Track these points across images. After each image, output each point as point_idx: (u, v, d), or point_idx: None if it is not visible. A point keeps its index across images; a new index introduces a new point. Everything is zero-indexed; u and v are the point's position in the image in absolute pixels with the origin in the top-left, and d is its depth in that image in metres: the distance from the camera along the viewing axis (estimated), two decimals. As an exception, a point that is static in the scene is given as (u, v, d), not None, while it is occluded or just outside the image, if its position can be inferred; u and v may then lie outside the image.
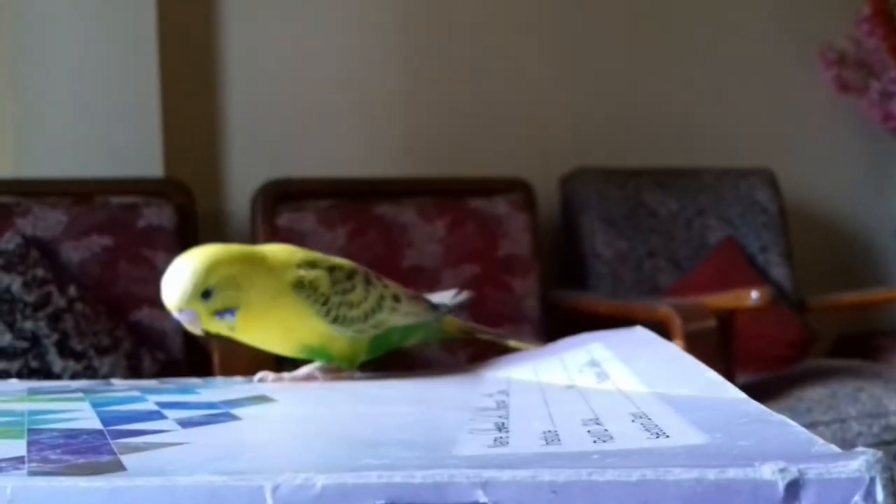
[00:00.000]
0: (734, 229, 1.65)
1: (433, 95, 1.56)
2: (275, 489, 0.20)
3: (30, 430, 0.30)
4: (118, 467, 0.24)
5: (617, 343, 0.46)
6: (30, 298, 1.08)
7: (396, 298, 0.49)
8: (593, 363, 0.43)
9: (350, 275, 0.47)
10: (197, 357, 1.20)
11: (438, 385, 0.46)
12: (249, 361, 0.99)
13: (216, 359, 1.06)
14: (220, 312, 0.43)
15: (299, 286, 0.45)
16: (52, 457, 0.26)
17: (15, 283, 1.07)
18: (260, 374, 0.46)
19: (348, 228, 1.38)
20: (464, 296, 0.54)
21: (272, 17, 1.46)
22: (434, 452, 0.26)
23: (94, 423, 0.32)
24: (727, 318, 1.29)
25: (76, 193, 1.16)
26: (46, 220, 1.13)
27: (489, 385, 0.43)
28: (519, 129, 1.61)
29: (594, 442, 0.27)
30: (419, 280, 1.40)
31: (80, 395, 0.40)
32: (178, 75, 1.33)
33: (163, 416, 0.34)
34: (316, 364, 0.48)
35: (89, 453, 0.27)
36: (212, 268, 0.42)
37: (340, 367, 0.48)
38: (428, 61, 1.57)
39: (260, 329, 0.45)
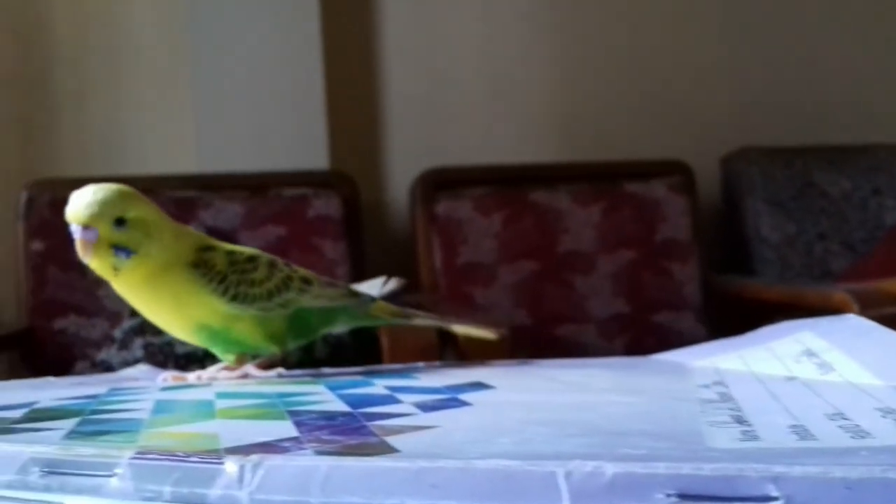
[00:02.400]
0: (914, 209, 1.54)
1: (587, 78, 1.55)
2: (567, 475, 0.21)
3: (289, 412, 0.33)
4: (389, 449, 0.26)
5: (831, 332, 0.44)
6: (215, 286, 1.16)
7: (306, 281, 0.47)
8: (809, 353, 0.42)
9: (251, 258, 0.46)
10: (364, 341, 1.26)
11: (642, 375, 0.46)
12: (416, 347, 1.02)
13: (385, 343, 1.10)
14: (119, 248, 0.42)
15: (196, 265, 0.43)
16: (325, 437, 0.28)
17: (202, 271, 1.15)
18: (162, 376, 0.44)
19: (504, 215, 1.39)
20: (392, 284, 0.52)
21: (428, 10, 1.48)
22: (687, 445, 0.26)
23: (342, 406, 0.34)
24: (909, 305, 1.21)
25: (252, 186, 1.24)
26: (226, 212, 1.21)
27: (698, 375, 0.42)
28: (677, 109, 1.57)
29: (851, 438, 0.26)
30: (575, 265, 1.39)
31: (310, 379, 0.43)
32: (341, 72, 1.39)
33: (398, 401, 0.36)
34: (220, 365, 0.46)
35: (354, 434, 0.29)
36: (136, 201, 0.42)
37: (240, 366, 0.45)
38: (581, 43, 1.55)
39: (149, 295, 0.43)
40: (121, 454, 0.23)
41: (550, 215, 1.40)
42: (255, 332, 0.45)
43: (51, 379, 0.47)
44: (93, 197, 0.42)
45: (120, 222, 0.42)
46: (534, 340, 1.34)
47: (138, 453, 0.23)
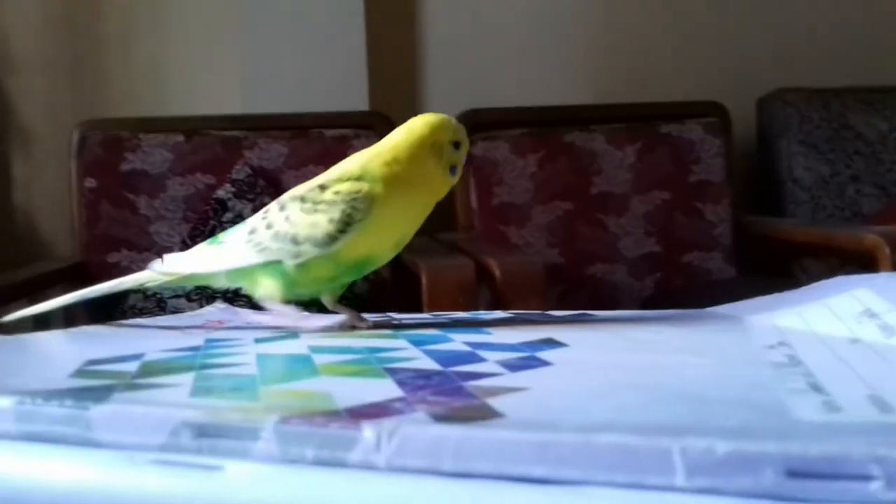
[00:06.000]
0: (951, 152, 1.53)
1: (625, 20, 1.52)
2: (682, 451, 0.23)
3: (386, 370, 0.34)
4: (494, 414, 0.28)
5: (890, 291, 0.45)
6: (258, 224, 1.18)
7: None
8: (870, 313, 0.43)
9: None
10: (403, 278, 1.28)
11: (706, 332, 0.47)
12: (455, 285, 1.05)
13: (424, 281, 1.11)
14: (452, 168, 0.46)
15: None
16: (430, 398, 0.30)
17: (246, 209, 1.18)
18: (333, 321, 0.45)
19: (539, 156, 1.39)
20: None
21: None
22: (777, 416, 0.28)
23: (433, 364, 0.36)
24: (942, 249, 1.22)
25: (295, 127, 1.25)
26: (270, 152, 1.23)
27: (761, 334, 0.44)
28: (714, 50, 1.55)
29: (931, 411, 0.28)
30: (608, 206, 1.40)
31: (390, 331, 0.45)
32: (382, 14, 1.38)
33: (482, 359, 0.38)
34: (346, 313, 0.47)
35: (456, 396, 0.31)
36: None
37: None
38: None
39: (416, 210, 0.46)
40: (266, 419, 0.25)
41: (585, 156, 1.40)
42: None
43: (139, 321, 0.49)
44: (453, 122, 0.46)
45: (456, 145, 0.46)
46: (566, 279, 1.36)
47: (282, 419, 0.25)
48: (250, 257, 0.45)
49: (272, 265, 0.45)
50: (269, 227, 0.45)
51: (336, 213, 0.43)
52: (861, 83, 1.55)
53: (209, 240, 0.48)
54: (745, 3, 1.56)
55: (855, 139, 1.52)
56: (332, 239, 0.44)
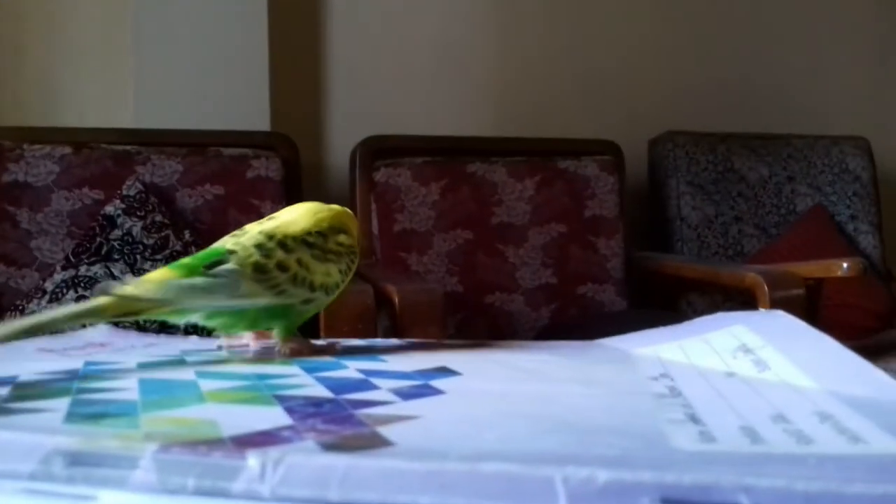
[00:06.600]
0: (824, 197, 1.64)
1: (527, 58, 1.57)
2: (564, 480, 0.23)
3: (276, 397, 0.34)
4: (383, 441, 0.28)
5: (764, 328, 0.48)
6: (149, 241, 1.14)
7: None
8: (745, 349, 0.45)
9: None
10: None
11: (593, 363, 0.49)
12: (354, 311, 1.04)
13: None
14: None
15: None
16: (320, 426, 0.30)
17: (136, 227, 1.13)
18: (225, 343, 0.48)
19: (441, 185, 1.41)
20: None
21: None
22: (656, 445, 0.29)
23: (324, 391, 0.36)
24: (815, 287, 1.30)
25: (191, 144, 1.21)
26: (164, 169, 1.19)
27: (645, 366, 0.46)
28: (610, 91, 1.61)
29: (797, 444, 0.29)
30: (507, 237, 1.43)
31: (282, 358, 0.45)
32: (286, 36, 1.37)
33: (375, 386, 0.37)
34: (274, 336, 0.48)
35: (346, 424, 0.30)
36: None
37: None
38: (522, 25, 1.56)
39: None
40: (144, 447, 0.24)
41: (486, 187, 1.42)
42: None
43: (15, 343, 0.46)
44: None
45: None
46: (465, 307, 1.38)
47: (162, 447, 0.24)
48: (267, 297, 0.45)
49: (280, 306, 0.46)
50: (282, 268, 0.45)
51: (343, 265, 0.48)
52: (746, 130, 1.64)
53: (170, 266, 0.43)
54: (640, 48, 1.63)
55: (739, 182, 1.60)
56: (337, 287, 0.48)
